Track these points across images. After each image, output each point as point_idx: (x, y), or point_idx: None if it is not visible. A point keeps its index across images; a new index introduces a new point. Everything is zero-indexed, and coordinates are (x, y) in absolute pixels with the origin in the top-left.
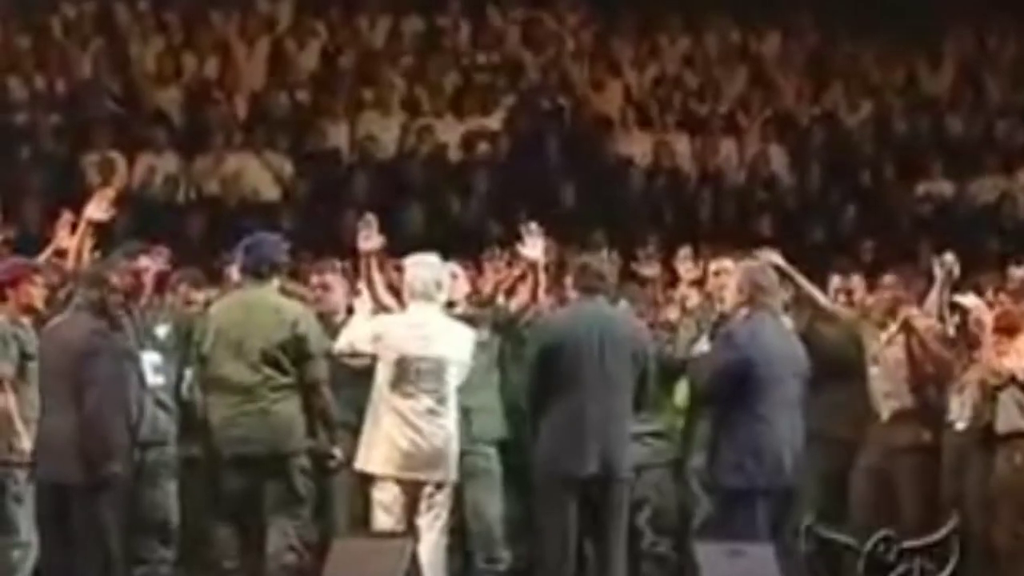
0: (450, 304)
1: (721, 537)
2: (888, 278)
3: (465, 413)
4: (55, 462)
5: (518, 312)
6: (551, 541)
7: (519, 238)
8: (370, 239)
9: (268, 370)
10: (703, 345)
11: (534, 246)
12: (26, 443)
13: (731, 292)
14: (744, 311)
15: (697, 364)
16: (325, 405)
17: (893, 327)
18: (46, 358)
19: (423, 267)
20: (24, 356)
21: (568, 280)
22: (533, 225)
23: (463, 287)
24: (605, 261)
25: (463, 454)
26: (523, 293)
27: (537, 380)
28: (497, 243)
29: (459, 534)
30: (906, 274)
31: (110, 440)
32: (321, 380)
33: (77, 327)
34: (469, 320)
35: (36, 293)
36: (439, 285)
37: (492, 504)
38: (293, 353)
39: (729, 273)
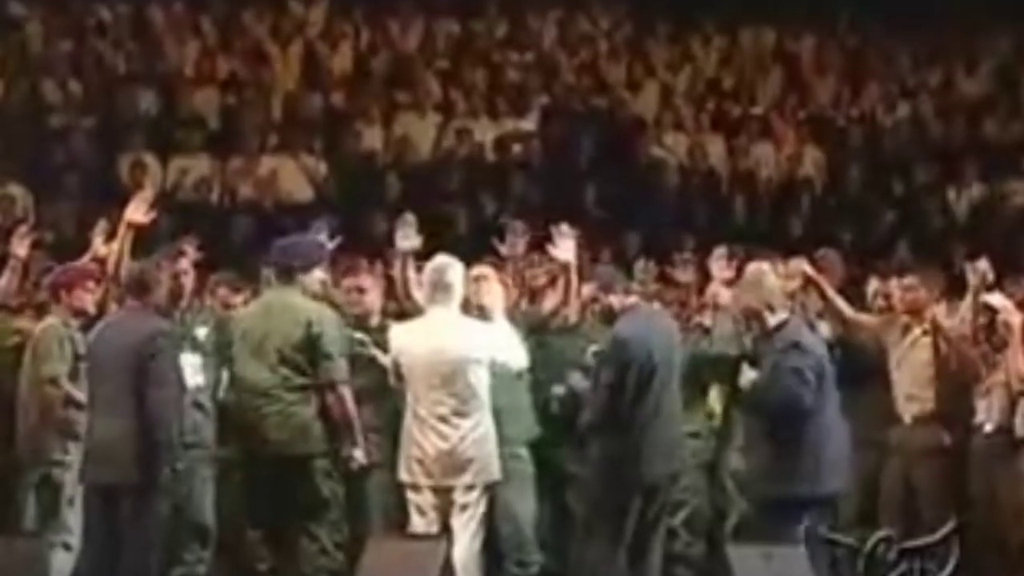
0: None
1: (762, 541)
2: (909, 279)
3: (496, 415)
4: (110, 463)
5: (550, 314)
6: (605, 546)
7: (549, 240)
8: (408, 238)
9: (286, 371)
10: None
11: (566, 248)
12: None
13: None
14: (783, 315)
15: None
16: (344, 406)
17: (917, 330)
18: (99, 359)
19: (432, 270)
20: (76, 358)
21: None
22: (564, 227)
23: (500, 290)
24: (643, 269)
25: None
26: (555, 295)
27: (612, 394)
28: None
29: (492, 536)
30: (929, 275)
31: (169, 441)
32: (338, 380)
33: (135, 328)
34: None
35: (90, 298)
36: (448, 287)
37: (523, 505)
38: (309, 353)
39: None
